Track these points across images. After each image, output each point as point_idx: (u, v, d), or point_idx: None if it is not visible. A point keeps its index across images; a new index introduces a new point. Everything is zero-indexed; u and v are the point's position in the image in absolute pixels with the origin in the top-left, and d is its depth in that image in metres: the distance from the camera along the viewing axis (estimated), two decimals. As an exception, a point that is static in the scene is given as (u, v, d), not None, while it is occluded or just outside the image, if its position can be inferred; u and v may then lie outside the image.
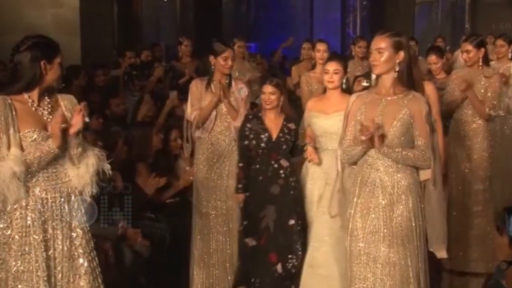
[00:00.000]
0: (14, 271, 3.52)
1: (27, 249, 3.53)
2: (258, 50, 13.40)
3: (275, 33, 15.91)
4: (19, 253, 3.52)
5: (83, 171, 3.66)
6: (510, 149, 7.30)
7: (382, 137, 3.80)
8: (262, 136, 5.02)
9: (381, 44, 3.84)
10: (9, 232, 3.54)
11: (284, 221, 4.96)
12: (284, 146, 5.02)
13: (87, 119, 3.61)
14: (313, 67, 6.80)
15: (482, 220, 5.89)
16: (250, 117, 5.12)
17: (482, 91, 5.86)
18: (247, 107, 5.38)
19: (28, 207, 3.55)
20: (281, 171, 5.01)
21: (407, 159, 3.85)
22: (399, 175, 3.88)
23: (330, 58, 5.16)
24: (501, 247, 3.81)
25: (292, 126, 5.06)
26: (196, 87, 5.30)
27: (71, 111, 3.66)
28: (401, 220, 3.87)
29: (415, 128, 3.85)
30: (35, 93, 3.62)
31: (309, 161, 4.95)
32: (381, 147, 3.80)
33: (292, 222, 4.96)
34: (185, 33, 10.11)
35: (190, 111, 5.24)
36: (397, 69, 3.84)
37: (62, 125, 3.51)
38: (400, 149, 3.83)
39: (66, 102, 3.70)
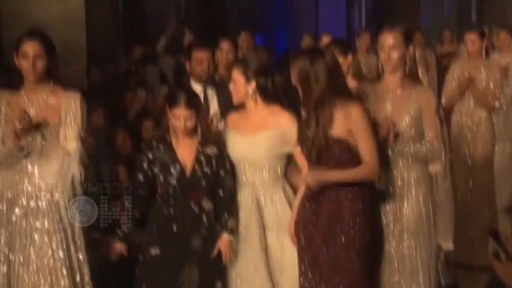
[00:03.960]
0: None
1: None
2: (263, 43, 13.41)
3: (280, 26, 15.93)
4: None
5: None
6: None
7: (396, 134, 3.81)
8: (172, 169, 3.83)
9: (394, 41, 3.78)
10: None
11: (209, 286, 3.83)
12: (204, 183, 3.81)
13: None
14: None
15: (486, 213, 5.90)
16: (154, 143, 3.88)
17: (484, 83, 5.85)
18: None
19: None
20: (204, 217, 3.82)
21: (419, 154, 3.85)
22: (408, 168, 3.88)
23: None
24: (509, 273, 3.58)
25: (211, 150, 3.84)
26: None
27: (71, 110, 3.64)
28: (411, 213, 3.88)
29: (425, 121, 3.85)
30: (25, 88, 3.66)
31: None
32: (394, 144, 3.81)
33: (219, 285, 3.86)
34: (190, 26, 10.11)
35: None
36: (408, 63, 3.85)
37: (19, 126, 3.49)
38: (411, 144, 3.83)
39: (67, 102, 3.65)
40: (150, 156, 3.84)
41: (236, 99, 3.96)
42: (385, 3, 14.07)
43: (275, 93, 3.95)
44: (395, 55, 3.80)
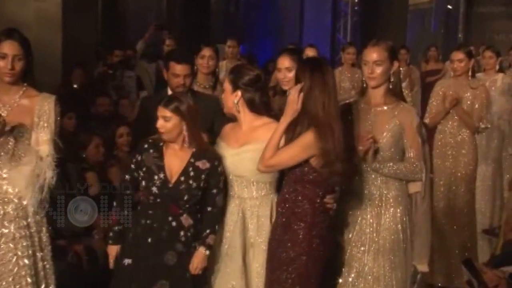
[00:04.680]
0: None
1: None
2: (246, 52, 13.42)
3: (264, 36, 15.95)
4: None
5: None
6: (496, 161, 7.38)
7: (376, 151, 3.82)
8: (156, 177, 3.73)
9: (379, 56, 3.84)
10: None
11: None
12: (186, 197, 3.70)
13: None
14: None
15: (465, 233, 5.94)
16: (146, 146, 3.81)
17: (469, 102, 5.91)
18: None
19: None
20: (181, 233, 3.72)
21: (399, 174, 3.86)
22: (387, 186, 3.89)
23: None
24: None
25: (203, 164, 3.74)
26: None
27: (45, 114, 3.59)
28: (388, 233, 3.89)
29: (406, 139, 3.86)
30: None
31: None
32: (372, 162, 3.82)
33: None
34: (171, 31, 10.10)
35: None
36: (391, 79, 3.87)
37: None
38: (391, 164, 3.84)
39: (41, 105, 3.61)
40: (139, 158, 3.78)
41: (225, 108, 3.97)
42: (371, 17, 14.15)
43: (265, 104, 3.95)
44: (378, 70, 3.84)
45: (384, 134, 3.85)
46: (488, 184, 7.28)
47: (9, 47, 3.53)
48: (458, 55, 5.96)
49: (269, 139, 3.57)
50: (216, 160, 3.76)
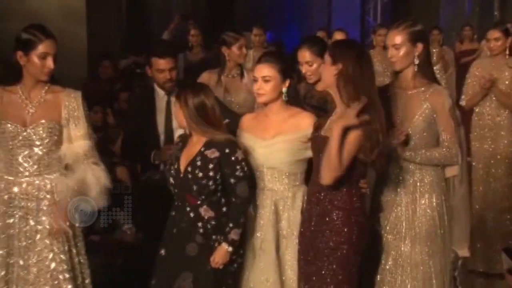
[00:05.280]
0: None
1: None
2: (273, 39, 13.40)
3: (292, 21, 15.90)
4: None
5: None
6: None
7: (406, 142, 3.80)
8: (172, 167, 3.82)
9: (398, 39, 3.82)
10: None
11: None
12: (195, 187, 3.68)
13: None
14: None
15: (506, 218, 5.90)
16: (179, 139, 3.93)
17: (507, 82, 5.84)
18: None
19: None
20: (199, 224, 3.73)
21: (433, 160, 3.83)
22: (422, 172, 3.87)
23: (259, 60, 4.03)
24: None
25: (211, 153, 3.69)
26: (204, 80, 5.29)
27: (74, 110, 3.65)
28: (424, 219, 3.87)
29: (439, 123, 3.83)
30: (24, 85, 3.67)
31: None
32: (404, 151, 3.80)
33: None
34: (196, 20, 10.12)
35: None
36: (416, 62, 3.83)
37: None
38: (424, 151, 3.82)
39: (68, 100, 3.67)
40: (172, 151, 3.92)
41: (264, 98, 3.85)
42: (402, -2, 14.06)
43: (296, 94, 3.97)
44: (397, 52, 3.83)
45: (415, 118, 3.83)
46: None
47: (50, 46, 3.60)
48: (495, 34, 5.91)
49: (327, 152, 3.43)
50: (227, 148, 3.68)
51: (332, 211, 3.57)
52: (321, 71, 3.67)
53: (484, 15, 16.83)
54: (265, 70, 3.82)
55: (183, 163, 3.75)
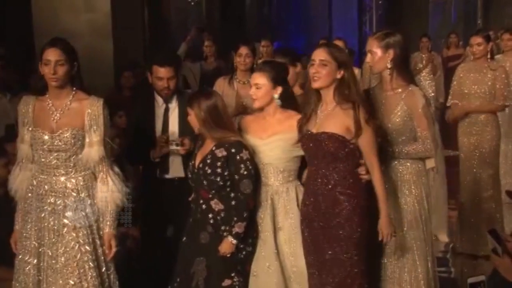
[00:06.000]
0: None
1: None
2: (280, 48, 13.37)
3: (296, 33, 15.91)
4: None
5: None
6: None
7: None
8: (190, 163, 3.89)
9: (372, 46, 3.85)
10: None
11: (216, 282, 3.76)
12: (205, 182, 3.73)
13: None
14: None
15: (491, 205, 5.86)
16: (199, 138, 3.98)
17: (490, 83, 5.81)
18: None
19: None
20: (210, 215, 3.76)
21: (410, 153, 3.84)
22: (403, 166, 3.88)
23: (255, 69, 4.14)
24: (507, 268, 3.42)
25: (220, 152, 3.72)
26: (218, 85, 5.30)
27: (95, 116, 3.61)
28: (407, 207, 3.87)
29: (415, 121, 3.83)
30: (50, 94, 3.66)
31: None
32: (386, 148, 3.81)
33: (227, 282, 3.77)
34: (211, 32, 10.12)
35: None
36: (389, 66, 3.82)
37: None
38: (401, 147, 3.82)
39: (90, 108, 3.63)
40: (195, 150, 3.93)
41: (258, 103, 3.88)
42: (395, 10, 14.01)
43: (292, 98, 3.95)
44: (372, 58, 3.85)
45: (392, 116, 3.83)
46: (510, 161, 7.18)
47: (52, 54, 3.56)
48: (477, 39, 5.89)
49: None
50: (233, 148, 3.71)
51: (343, 199, 3.58)
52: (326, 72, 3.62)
53: (468, 23, 16.76)
54: (257, 78, 3.85)
55: (198, 160, 3.80)
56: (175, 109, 4.45)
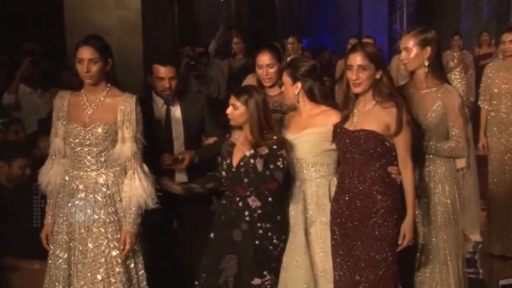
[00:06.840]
0: None
1: None
2: (310, 46, 13.37)
3: (326, 30, 15.87)
4: None
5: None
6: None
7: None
8: (224, 162, 3.85)
9: (408, 43, 3.79)
10: None
11: (246, 280, 3.74)
12: (246, 179, 3.73)
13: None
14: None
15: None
16: (228, 135, 3.94)
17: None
18: None
19: None
20: (246, 212, 3.77)
21: (442, 151, 3.81)
22: (435, 164, 3.85)
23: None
24: None
25: (262, 150, 3.71)
26: (248, 82, 5.28)
27: (128, 113, 3.65)
28: (439, 207, 3.84)
29: (449, 119, 3.80)
30: (85, 90, 3.71)
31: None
32: (419, 145, 3.78)
33: (257, 281, 3.74)
34: (240, 30, 10.16)
35: None
36: (426, 64, 3.78)
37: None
38: (435, 143, 3.79)
39: (123, 104, 3.66)
40: (224, 149, 3.89)
41: (286, 100, 3.97)
42: (426, 7, 13.87)
43: (324, 94, 3.91)
44: (407, 54, 3.80)
45: (428, 115, 3.80)
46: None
47: (85, 52, 3.61)
48: (509, 36, 5.82)
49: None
50: (275, 145, 3.72)
51: (378, 197, 3.55)
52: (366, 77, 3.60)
53: (501, 21, 16.55)
54: (284, 76, 3.93)
55: (236, 159, 3.77)
56: (177, 110, 4.28)
